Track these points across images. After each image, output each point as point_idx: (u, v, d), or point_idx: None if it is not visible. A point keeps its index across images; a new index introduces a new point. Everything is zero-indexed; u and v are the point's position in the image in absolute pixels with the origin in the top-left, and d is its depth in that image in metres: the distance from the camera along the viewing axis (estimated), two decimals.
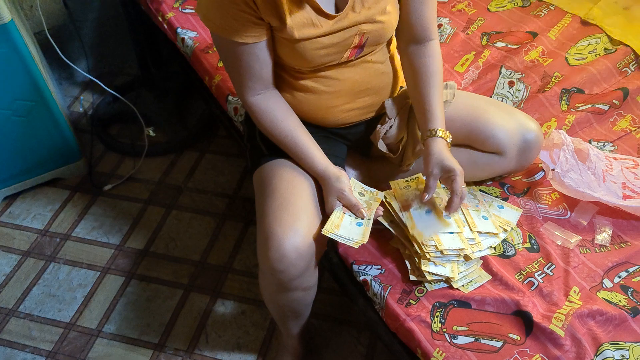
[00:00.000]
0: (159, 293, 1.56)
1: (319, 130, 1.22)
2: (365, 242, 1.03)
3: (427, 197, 1.09)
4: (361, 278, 1.14)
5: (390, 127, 1.23)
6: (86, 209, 1.79)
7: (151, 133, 2.01)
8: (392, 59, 1.21)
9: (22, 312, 1.53)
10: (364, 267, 1.15)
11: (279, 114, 1.13)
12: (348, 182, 1.11)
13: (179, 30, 1.69)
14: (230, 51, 1.07)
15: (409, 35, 1.15)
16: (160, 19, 1.78)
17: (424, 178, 1.11)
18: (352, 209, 1.08)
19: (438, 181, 1.10)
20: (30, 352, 1.45)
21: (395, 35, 1.19)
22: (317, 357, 1.40)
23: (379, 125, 1.22)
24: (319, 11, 1.03)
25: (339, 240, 1.03)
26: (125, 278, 1.60)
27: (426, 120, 1.12)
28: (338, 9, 1.05)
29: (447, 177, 1.08)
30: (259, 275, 1.15)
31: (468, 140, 1.22)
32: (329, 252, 1.22)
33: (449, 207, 1.09)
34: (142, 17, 1.93)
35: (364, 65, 1.15)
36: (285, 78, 1.16)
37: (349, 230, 1.05)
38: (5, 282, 1.60)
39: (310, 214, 1.08)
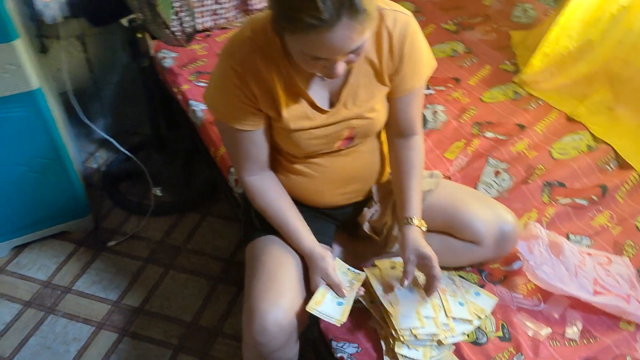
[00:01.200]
0: (149, 352, 1.61)
1: (309, 209, 1.31)
2: (344, 321, 1.10)
3: (406, 282, 1.16)
4: (338, 355, 1.19)
5: (376, 211, 1.32)
6: (89, 264, 1.87)
7: (158, 193, 2.11)
8: (380, 147, 1.31)
9: None
10: (342, 344, 1.21)
11: (272, 195, 1.23)
12: (332, 262, 1.19)
13: (191, 102, 1.82)
14: (230, 136, 1.18)
15: (395, 129, 1.26)
16: (175, 89, 1.92)
17: None
18: (334, 287, 1.16)
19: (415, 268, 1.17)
20: None
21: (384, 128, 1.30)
22: None
23: (365, 209, 1.32)
24: (313, 105, 1.14)
25: (320, 317, 1.10)
26: (119, 335, 1.66)
27: (403, 209, 1.21)
28: (331, 104, 1.17)
29: (424, 264, 1.15)
30: (242, 346, 1.21)
31: (448, 228, 1.30)
32: (311, 326, 1.28)
33: (428, 289, 1.16)
34: (158, 83, 2.08)
35: (353, 155, 1.25)
36: (281, 161, 1.26)
37: (331, 308, 1.12)
38: (4, 331, 1.67)
39: (294, 290, 1.15)
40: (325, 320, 1.10)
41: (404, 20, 1.13)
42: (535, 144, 1.70)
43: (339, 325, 1.10)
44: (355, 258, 1.42)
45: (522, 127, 1.76)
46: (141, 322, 1.69)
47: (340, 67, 1.00)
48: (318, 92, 1.14)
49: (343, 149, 1.23)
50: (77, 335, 1.66)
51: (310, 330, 1.29)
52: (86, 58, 2.11)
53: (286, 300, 1.12)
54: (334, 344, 1.22)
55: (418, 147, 1.27)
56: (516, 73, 1.99)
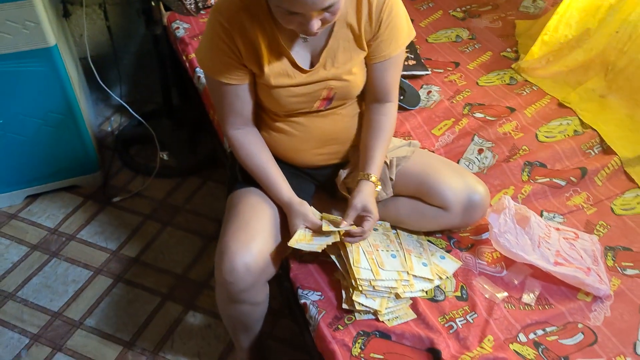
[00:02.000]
0: (140, 298, 1.72)
1: (290, 167, 1.39)
2: (322, 250, 1.20)
3: (344, 223, 1.22)
4: (302, 301, 1.27)
5: (351, 172, 1.39)
6: (93, 216, 1.99)
7: (165, 157, 2.23)
8: (361, 115, 1.38)
9: (19, 297, 1.72)
10: (307, 292, 1.29)
11: (254, 148, 1.31)
12: (309, 209, 1.27)
13: (197, 69, 1.92)
14: (217, 90, 1.27)
15: (372, 95, 1.33)
16: (184, 57, 2.03)
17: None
18: (313, 227, 1.24)
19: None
20: (18, 333, 1.63)
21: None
22: None
23: (341, 170, 1.39)
24: (294, 64, 1.22)
25: (304, 249, 1.20)
26: (114, 280, 1.77)
27: (365, 165, 1.28)
28: (312, 64, 1.24)
29: (364, 215, 1.23)
30: (215, 287, 1.30)
31: (418, 193, 1.37)
32: (281, 277, 1.37)
33: (349, 235, 1.23)
34: (172, 53, 2.20)
35: (333, 117, 1.33)
36: (264, 118, 1.34)
37: (309, 245, 1.21)
38: (11, 269, 1.81)
39: (265, 236, 1.24)
40: (307, 250, 1.20)
41: None
42: (523, 126, 1.74)
43: (319, 250, 1.19)
44: None
45: (512, 109, 1.81)
46: (135, 271, 1.80)
47: (315, 24, 1.07)
48: (299, 53, 1.22)
49: (322, 110, 1.31)
50: (76, 278, 1.78)
51: (281, 279, 1.38)
52: (107, 26, 2.23)
53: (256, 244, 1.20)
54: (299, 291, 1.30)
55: (390, 113, 1.33)
56: (516, 60, 2.03)
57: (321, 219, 1.25)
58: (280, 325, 1.64)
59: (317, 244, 1.20)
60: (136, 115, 2.21)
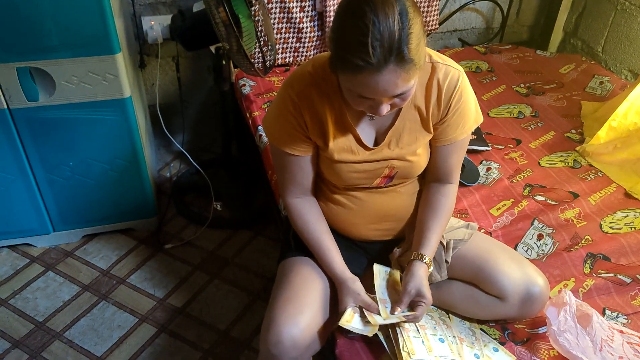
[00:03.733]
0: (182, 351, 1.72)
1: (344, 239, 1.38)
2: (375, 332, 1.18)
3: (398, 310, 1.20)
4: None
5: (407, 250, 1.37)
6: (145, 261, 2.03)
7: (218, 207, 2.27)
8: (419, 193, 1.37)
9: (65, 338, 1.75)
10: None
11: (311, 218, 1.32)
12: (362, 287, 1.25)
13: (260, 127, 1.97)
14: (280, 158, 1.29)
15: (433, 175, 1.32)
16: (248, 114, 2.09)
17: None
18: (368, 307, 1.22)
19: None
20: None
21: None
22: None
23: (396, 248, 1.37)
24: (359, 141, 1.23)
25: (355, 331, 1.18)
26: (158, 330, 1.78)
27: (419, 245, 1.26)
28: (376, 142, 1.25)
29: (417, 300, 1.20)
30: (259, 356, 1.29)
31: (475, 279, 1.33)
32: (325, 351, 1.34)
33: (394, 309, 1.21)
34: (236, 108, 2.27)
35: (392, 194, 1.32)
36: (323, 190, 1.35)
37: (359, 326, 1.19)
38: (62, 308, 1.85)
39: (315, 310, 1.22)
40: (356, 332, 1.18)
41: (455, 75, 1.20)
42: (586, 214, 1.69)
43: (370, 335, 1.18)
44: None
45: (575, 195, 1.75)
46: (180, 322, 1.81)
47: (385, 108, 1.09)
48: (365, 130, 1.24)
49: (382, 187, 1.31)
50: (122, 324, 1.80)
51: (326, 354, 1.35)
52: (177, 77, 2.33)
53: (304, 317, 1.19)
54: None
55: (450, 194, 1.32)
56: (580, 143, 1.98)
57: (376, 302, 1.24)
58: None
59: (368, 329, 1.18)
60: (194, 163, 2.27)
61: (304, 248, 1.34)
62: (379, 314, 1.20)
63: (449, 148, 1.27)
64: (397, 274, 1.32)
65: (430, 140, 1.28)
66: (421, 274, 1.23)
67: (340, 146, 1.23)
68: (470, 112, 1.25)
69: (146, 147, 2.06)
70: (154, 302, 1.88)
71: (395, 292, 1.27)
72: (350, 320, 1.20)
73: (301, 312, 1.20)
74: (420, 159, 1.27)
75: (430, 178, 1.35)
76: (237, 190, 2.33)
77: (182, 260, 2.05)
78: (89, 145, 1.88)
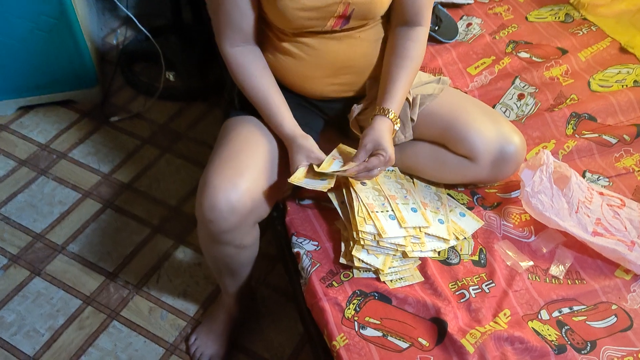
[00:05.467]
0: (128, 227, 1.60)
1: (296, 97, 1.20)
2: (329, 188, 1.01)
3: (352, 165, 1.03)
4: (295, 250, 1.12)
5: (366, 108, 1.19)
6: (88, 135, 1.85)
7: (171, 77, 2.05)
8: (384, 41, 1.17)
9: (1, 214, 1.61)
10: (302, 240, 1.13)
11: (254, 70, 1.12)
12: (315, 144, 1.08)
13: None
14: None
15: (400, 16, 1.11)
16: None
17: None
18: (320, 164, 1.06)
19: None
20: None
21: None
22: (254, 324, 1.39)
23: (355, 105, 1.19)
24: None
25: (307, 186, 1.02)
26: (103, 206, 1.64)
27: (383, 99, 1.08)
28: None
29: (375, 154, 1.04)
30: (197, 226, 1.15)
31: (442, 138, 1.17)
32: (275, 220, 1.21)
33: (350, 161, 1.05)
34: None
35: (350, 40, 1.12)
36: (269, 37, 1.14)
37: (313, 182, 1.03)
38: None
39: (257, 172, 1.06)
40: (309, 187, 1.01)
41: None
42: (574, 72, 1.50)
43: (325, 190, 1.01)
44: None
45: (564, 51, 1.55)
46: (127, 198, 1.67)
47: None
48: None
49: (337, 31, 1.09)
50: (63, 199, 1.65)
51: (275, 222, 1.22)
52: None
53: (244, 180, 1.03)
54: (294, 238, 1.14)
55: (420, 39, 1.12)
56: None
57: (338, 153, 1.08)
58: (276, 273, 1.50)
59: (324, 182, 1.02)
60: (143, 29, 2.01)
61: (250, 107, 1.15)
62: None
63: None
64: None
65: None
66: (383, 127, 1.06)
67: None
68: None
69: (78, 4, 1.78)
70: (98, 177, 1.72)
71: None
72: (302, 178, 1.04)
73: (240, 175, 1.04)
74: None
75: (396, 21, 1.13)
76: (191, 59, 2.08)
77: (129, 133, 1.86)
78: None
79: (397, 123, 1.08)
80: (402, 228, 1.06)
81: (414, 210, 1.11)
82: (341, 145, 1.13)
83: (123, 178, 1.72)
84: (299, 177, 1.03)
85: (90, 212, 1.63)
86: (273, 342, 1.37)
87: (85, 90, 1.92)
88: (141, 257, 1.53)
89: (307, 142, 1.08)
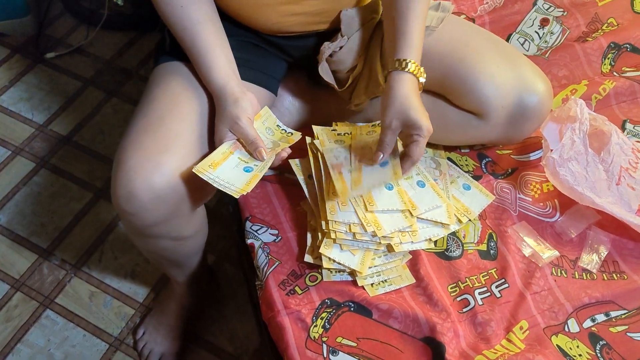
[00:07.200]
0: (66, 191, 1.34)
1: (249, 34, 0.89)
2: (246, 193, 0.73)
3: (381, 157, 0.77)
4: (249, 241, 0.86)
5: (342, 47, 0.89)
6: (20, 75, 1.54)
7: (119, 2, 1.70)
8: None
9: None
10: (258, 227, 0.87)
11: None
12: (251, 108, 0.79)
13: None
14: None
15: None
16: None
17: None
18: (248, 144, 0.77)
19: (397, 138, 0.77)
20: None
21: None
22: (214, 311, 1.17)
23: (326, 42, 0.89)
24: None
25: (213, 184, 0.73)
26: (36, 165, 1.37)
27: (396, 46, 0.78)
28: None
29: (408, 134, 0.75)
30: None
31: (442, 88, 0.88)
32: (224, 197, 0.94)
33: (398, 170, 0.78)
34: None
35: None
36: None
37: (231, 174, 0.74)
38: None
39: (187, 144, 0.77)
40: (220, 188, 0.72)
41: None
42: None
43: (237, 196, 0.72)
44: (312, 113, 1.03)
45: None
46: (65, 154, 1.39)
47: None
48: None
49: None
50: None
51: (223, 202, 0.95)
52: None
53: (171, 157, 0.75)
54: (247, 225, 0.88)
55: None
56: None
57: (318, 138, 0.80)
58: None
59: (237, 182, 0.73)
60: None
61: (180, 49, 0.85)
62: (261, 158, 0.76)
63: None
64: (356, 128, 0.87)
65: None
66: (406, 91, 0.75)
67: None
68: None
69: None
70: (32, 129, 1.44)
71: (361, 151, 0.83)
72: (220, 163, 0.74)
73: (165, 149, 0.75)
74: None
75: None
76: None
77: (69, 73, 1.55)
78: None
79: (421, 75, 0.78)
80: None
81: (389, 187, 0.83)
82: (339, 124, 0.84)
83: (61, 130, 1.44)
84: (209, 165, 0.73)
85: (21, 173, 1.36)
86: (238, 332, 1.15)
87: (14, 20, 1.59)
88: (81, 229, 1.28)
89: (239, 104, 0.77)
